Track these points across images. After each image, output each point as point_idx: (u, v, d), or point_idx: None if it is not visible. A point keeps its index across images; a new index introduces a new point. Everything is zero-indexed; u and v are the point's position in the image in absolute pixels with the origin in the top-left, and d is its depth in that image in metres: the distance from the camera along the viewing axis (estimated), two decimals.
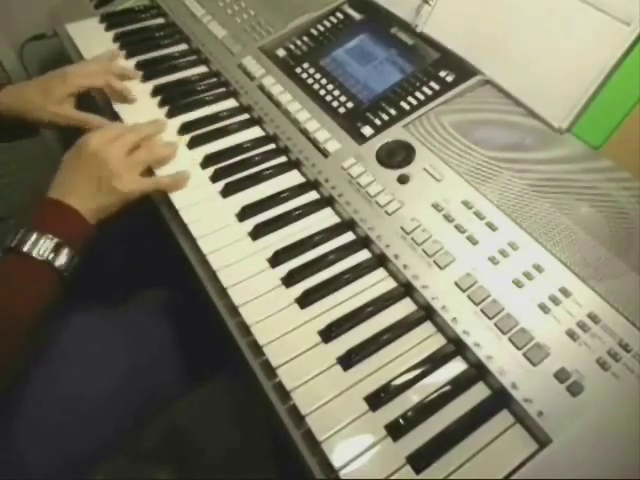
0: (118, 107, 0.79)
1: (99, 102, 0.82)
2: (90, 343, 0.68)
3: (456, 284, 0.54)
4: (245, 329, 0.55)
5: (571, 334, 0.49)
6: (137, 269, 0.81)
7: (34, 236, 0.56)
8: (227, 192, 0.67)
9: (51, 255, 0.56)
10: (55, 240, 0.57)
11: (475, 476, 0.45)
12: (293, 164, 0.71)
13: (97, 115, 0.76)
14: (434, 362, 0.51)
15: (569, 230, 0.56)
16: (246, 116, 0.78)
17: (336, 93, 0.74)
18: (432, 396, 0.49)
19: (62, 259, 0.57)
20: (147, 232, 0.64)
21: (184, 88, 0.83)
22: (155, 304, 0.77)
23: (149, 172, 0.69)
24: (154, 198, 0.70)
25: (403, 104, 0.70)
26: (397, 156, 0.65)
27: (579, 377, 0.47)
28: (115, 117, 0.78)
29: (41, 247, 0.56)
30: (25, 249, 0.55)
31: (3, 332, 0.52)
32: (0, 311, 0.53)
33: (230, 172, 0.69)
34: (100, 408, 0.65)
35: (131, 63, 0.87)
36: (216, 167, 0.70)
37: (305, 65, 0.79)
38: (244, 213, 0.64)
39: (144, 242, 0.61)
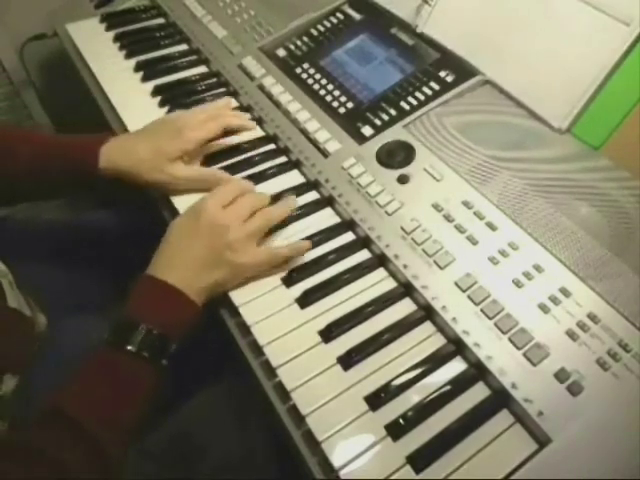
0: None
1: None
2: (87, 343, 0.67)
3: (456, 284, 0.54)
4: (245, 329, 0.55)
5: (571, 334, 0.49)
6: (136, 268, 0.81)
7: (140, 331, 0.51)
8: None
9: (159, 352, 0.51)
10: (162, 334, 0.52)
11: (475, 476, 0.45)
12: (293, 164, 0.71)
13: (210, 169, 0.68)
14: (434, 362, 0.51)
15: (569, 230, 0.56)
16: (246, 116, 0.78)
17: (336, 93, 0.74)
18: (432, 396, 0.49)
19: (169, 352, 0.52)
20: (145, 233, 0.63)
21: (184, 88, 0.83)
22: None
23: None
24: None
25: (403, 104, 0.70)
26: (397, 156, 0.65)
27: (579, 377, 0.47)
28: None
29: (147, 344, 0.51)
30: (131, 348, 0.50)
31: (118, 439, 0.48)
32: (113, 419, 0.49)
33: (230, 173, 0.69)
34: None
35: (132, 63, 0.87)
36: (217, 167, 0.70)
37: (305, 65, 0.79)
38: None
39: (141, 244, 0.60)
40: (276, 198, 0.65)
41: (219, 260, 0.55)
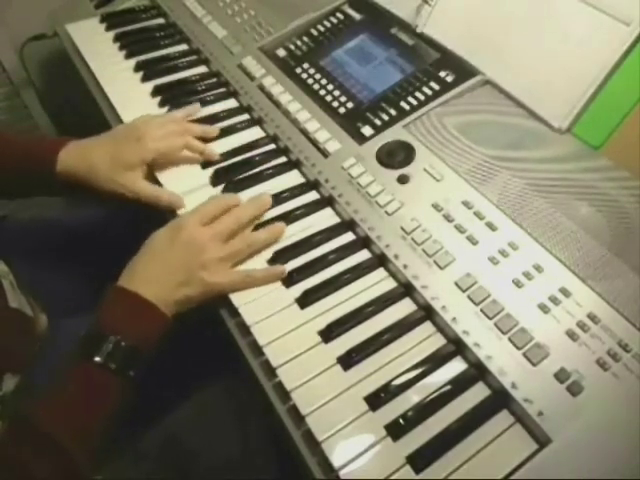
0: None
1: None
2: None
3: (456, 284, 0.54)
4: (245, 329, 0.55)
5: (571, 334, 0.49)
6: None
7: (109, 343, 0.51)
8: (227, 192, 0.67)
9: (127, 363, 0.52)
10: (131, 346, 0.52)
11: (475, 476, 0.45)
12: (293, 164, 0.71)
13: (168, 190, 0.67)
14: (434, 362, 0.51)
15: (569, 230, 0.56)
16: (246, 116, 0.78)
17: (336, 93, 0.74)
18: (432, 396, 0.49)
19: (138, 364, 0.53)
20: (146, 233, 0.63)
21: (184, 88, 0.83)
22: None
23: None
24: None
25: (403, 104, 0.70)
26: (397, 156, 0.65)
27: (579, 377, 0.47)
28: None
29: (115, 356, 0.51)
30: (99, 359, 0.50)
31: (84, 448, 0.48)
32: (78, 428, 0.49)
33: (230, 173, 0.69)
34: None
35: (132, 63, 0.87)
36: (216, 167, 0.70)
37: (305, 65, 0.79)
38: None
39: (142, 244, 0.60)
40: (275, 197, 0.66)
41: (192, 277, 0.55)
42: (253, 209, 0.62)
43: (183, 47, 0.92)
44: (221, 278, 0.56)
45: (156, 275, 0.55)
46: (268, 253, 0.60)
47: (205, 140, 0.72)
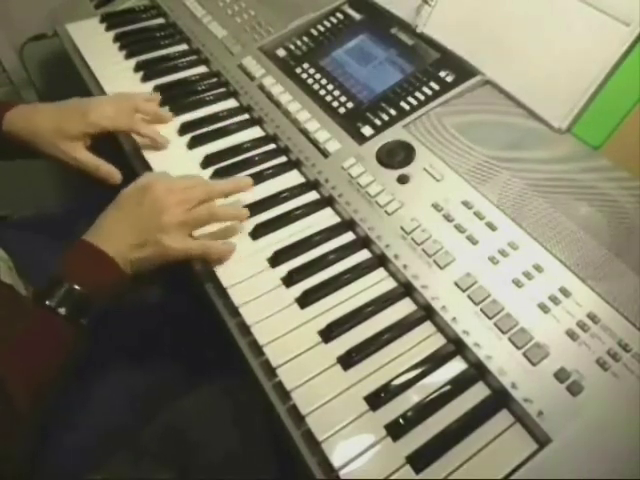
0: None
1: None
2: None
3: (456, 284, 0.54)
4: (245, 329, 0.55)
5: (571, 334, 0.49)
6: None
7: (63, 288, 0.52)
8: None
9: (78, 310, 0.53)
10: (85, 292, 0.53)
11: (475, 476, 0.45)
12: (293, 164, 0.71)
13: (109, 164, 0.69)
14: (434, 362, 0.51)
15: (569, 230, 0.56)
16: (246, 116, 0.78)
17: (336, 93, 0.74)
18: (432, 396, 0.49)
19: (90, 313, 0.54)
20: None
21: (184, 88, 0.83)
22: (154, 305, 0.77)
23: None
24: None
25: (403, 104, 0.70)
26: (397, 156, 0.65)
27: (579, 377, 0.47)
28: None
29: (69, 301, 0.52)
30: (51, 303, 0.51)
31: (27, 390, 0.49)
32: (23, 369, 0.49)
33: (230, 172, 0.69)
34: (102, 407, 0.65)
35: (132, 63, 0.87)
36: (216, 167, 0.70)
37: (305, 65, 0.79)
38: None
39: None
40: (275, 197, 0.66)
41: (149, 238, 0.56)
42: (226, 185, 0.63)
43: (183, 47, 0.92)
44: (178, 243, 0.57)
45: (117, 231, 0.57)
46: (268, 252, 0.60)
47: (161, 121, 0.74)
